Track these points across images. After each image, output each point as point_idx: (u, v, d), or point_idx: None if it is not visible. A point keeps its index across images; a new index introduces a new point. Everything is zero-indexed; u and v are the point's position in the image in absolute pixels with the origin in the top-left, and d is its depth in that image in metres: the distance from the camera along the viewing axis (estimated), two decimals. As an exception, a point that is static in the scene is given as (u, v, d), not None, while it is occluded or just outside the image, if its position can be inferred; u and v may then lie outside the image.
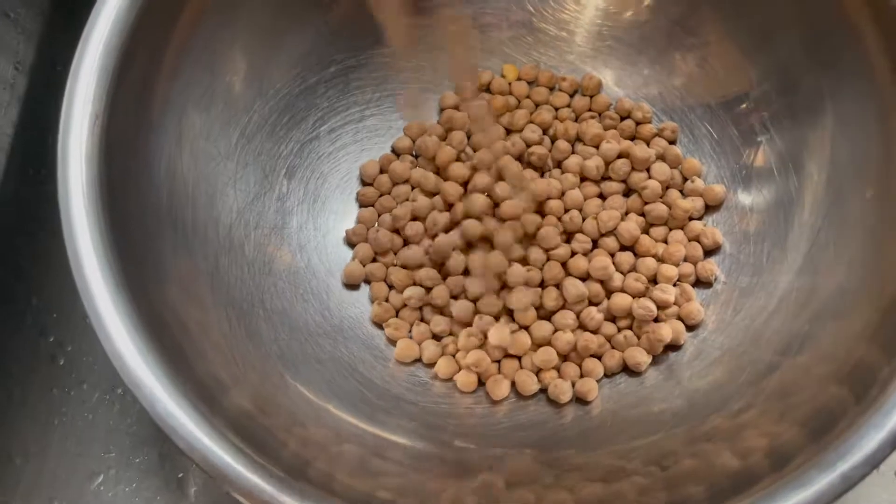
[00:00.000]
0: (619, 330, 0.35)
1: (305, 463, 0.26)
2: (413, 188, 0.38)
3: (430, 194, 0.38)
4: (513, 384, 0.34)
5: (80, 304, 0.25)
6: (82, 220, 0.26)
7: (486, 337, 0.34)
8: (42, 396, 0.35)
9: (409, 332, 0.35)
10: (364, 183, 0.39)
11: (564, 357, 0.35)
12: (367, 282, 0.37)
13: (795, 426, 0.27)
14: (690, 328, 0.35)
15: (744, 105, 0.36)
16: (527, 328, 0.35)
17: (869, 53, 0.31)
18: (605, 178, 0.38)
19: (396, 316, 0.36)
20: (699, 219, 0.37)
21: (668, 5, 0.38)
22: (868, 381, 0.26)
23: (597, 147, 0.38)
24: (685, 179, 0.38)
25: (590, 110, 0.39)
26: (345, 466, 0.28)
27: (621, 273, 0.35)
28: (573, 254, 0.36)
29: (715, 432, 0.29)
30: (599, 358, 0.34)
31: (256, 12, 0.35)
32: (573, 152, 0.38)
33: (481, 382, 0.34)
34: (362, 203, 0.38)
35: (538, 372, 0.34)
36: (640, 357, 0.34)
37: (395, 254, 0.37)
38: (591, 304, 0.35)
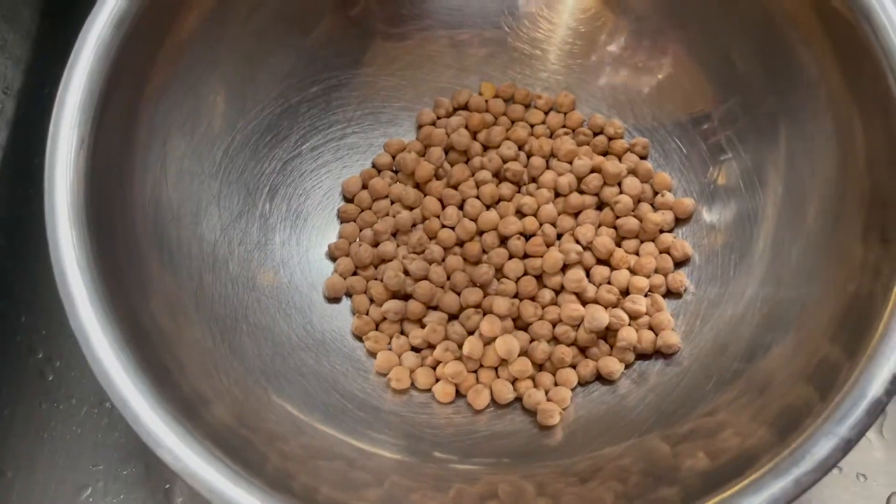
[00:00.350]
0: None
1: (288, 476, 0.27)
2: (393, 203, 0.39)
3: (410, 209, 0.39)
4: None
5: (69, 321, 0.26)
6: (68, 240, 0.27)
7: (460, 348, 0.35)
8: (31, 411, 0.36)
9: (389, 344, 0.36)
10: (346, 199, 0.40)
11: (540, 367, 0.36)
12: (349, 295, 0.38)
13: (763, 427, 0.28)
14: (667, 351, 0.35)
15: (710, 122, 0.38)
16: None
17: (822, 71, 0.32)
18: (580, 191, 0.39)
19: (377, 329, 0.37)
20: (669, 231, 0.38)
21: (636, 27, 0.39)
22: (830, 379, 0.27)
23: (570, 163, 0.39)
24: (655, 193, 0.39)
25: (564, 126, 0.40)
26: (328, 479, 0.29)
27: (594, 285, 0.37)
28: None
29: (686, 435, 0.30)
30: (574, 367, 0.36)
31: (238, 37, 0.36)
32: (548, 168, 0.39)
33: (459, 393, 0.35)
34: (344, 219, 0.39)
35: (514, 381, 0.35)
36: (613, 366, 0.35)
37: (376, 268, 0.38)
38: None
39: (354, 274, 0.38)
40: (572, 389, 0.35)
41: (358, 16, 0.39)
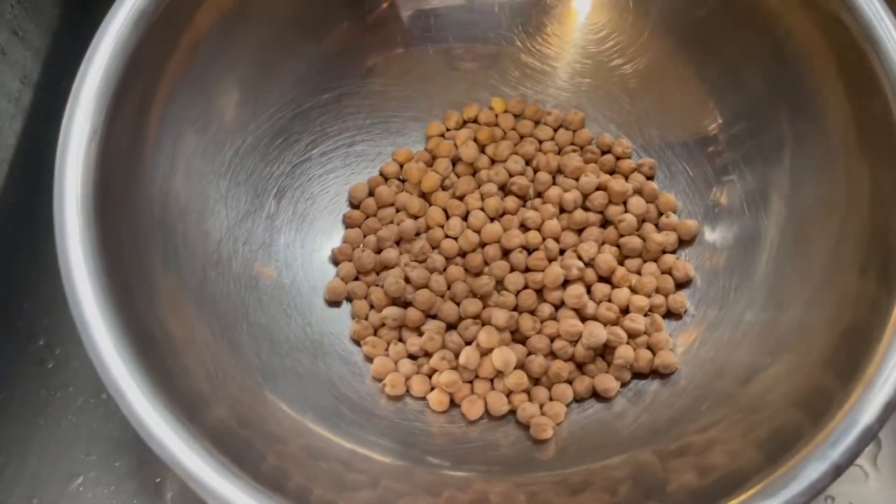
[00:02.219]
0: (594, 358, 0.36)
1: (284, 476, 0.27)
2: (398, 211, 0.40)
3: (415, 217, 0.39)
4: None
5: (71, 310, 0.26)
6: (75, 228, 0.27)
7: (457, 358, 0.35)
8: (28, 397, 0.36)
9: (386, 350, 0.37)
10: (352, 205, 0.40)
11: (536, 380, 0.36)
12: (349, 299, 0.38)
13: (753, 448, 0.28)
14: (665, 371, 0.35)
15: (717, 145, 0.38)
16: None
17: (830, 100, 0.32)
18: (585, 208, 0.39)
19: (375, 334, 0.37)
20: (672, 252, 0.38)
21: (644, 47, 0.40)
22: (823, 405, 0.27)
23: (577, 179, 0.39)
24: (660, 214, 0.39)
25: (572, 144, 0.41)
26: (322, 480, 0.29)
27: (594, 302, 0.37)
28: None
29: (678, 452, 0.31)
30: (570, 382, 0.36)
31: (254, 41, 0.36)
32: (554, 184, 0.40)
33: (453, 402, 0.35)
34: (349, 224, 0.40)
35: (509, 394, 0.35)
36: (610, 383, 0.35)
37: (377, 274, 0.38)
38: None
39: (356, 279, 0.38)
40: (567, 405, 0.35)
41: (373, 25, 0.40)
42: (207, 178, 0.36)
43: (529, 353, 0.36)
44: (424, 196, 0.40)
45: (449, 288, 0.37)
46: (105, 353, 0.26)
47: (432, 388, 0.36)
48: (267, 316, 0.36)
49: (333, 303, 0.38)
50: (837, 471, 0.25)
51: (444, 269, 0.38)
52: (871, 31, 0.30)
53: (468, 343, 0.36)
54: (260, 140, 0.38)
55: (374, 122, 0.41)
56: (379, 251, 0.39)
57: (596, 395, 0.36)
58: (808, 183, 0.34)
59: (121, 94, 0.30)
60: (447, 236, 0.38)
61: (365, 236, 0.39)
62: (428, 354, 0.36)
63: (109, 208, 0.29)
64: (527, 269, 0.37)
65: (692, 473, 0.28)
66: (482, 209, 0.38)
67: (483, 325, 0.36)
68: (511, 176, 0.39)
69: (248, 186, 0.37)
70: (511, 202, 0.39)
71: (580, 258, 0.37)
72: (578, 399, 0.36)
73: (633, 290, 0.37)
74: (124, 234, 0.30)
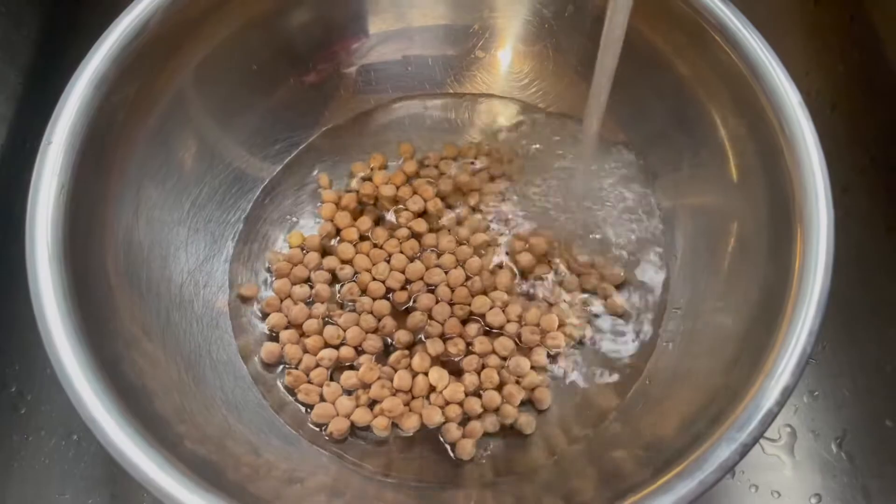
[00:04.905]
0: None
1: (256, 499, 0.29)
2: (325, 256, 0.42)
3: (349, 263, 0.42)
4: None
5: (41, 356, 0.28)
6: (47, 277, 0.29)
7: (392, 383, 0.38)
8: (2, 442, 0.37)
9: (321, 393, 0.38)
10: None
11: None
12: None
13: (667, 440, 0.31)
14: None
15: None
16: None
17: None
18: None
19: (308, 380, 0.38)
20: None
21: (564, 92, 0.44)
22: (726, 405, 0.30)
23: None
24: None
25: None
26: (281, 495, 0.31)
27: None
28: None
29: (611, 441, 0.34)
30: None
31: (207, 99, 0.39)
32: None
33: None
34: (277, 274, 0.41)
35: (444, 406, 0.38)
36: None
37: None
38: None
39: (286, 327, 0.40)
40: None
41: (316, 81, 0.43)
42: (168, 226, 0.38)
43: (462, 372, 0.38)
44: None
45: (379, 322, 0.39)
46: (81, 392, 0.28)
47: (374, 417, 0.37)
48: (228, 352, 0.38)
49: (272, 365, 0.39)
50: (744, 450, 0.28)
51: (371, 310, 0.40)
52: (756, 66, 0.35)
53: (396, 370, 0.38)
54: (217, 189, 0.41)
55: (322, 169, 0.44)
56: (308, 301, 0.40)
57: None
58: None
59: (85, 150, 0.32)
60: (374, 279, 0.41)
61: (293, 286, 0.41)
62: (366, 386, 0.38)
63: (77, 257, 0.31)
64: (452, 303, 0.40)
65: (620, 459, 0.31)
66: (401, 251, 0.41)
67: (412, 356, 0.39)
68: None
69: (206, 233, 0.40)
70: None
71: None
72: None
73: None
74: (92, 281, 0.32)
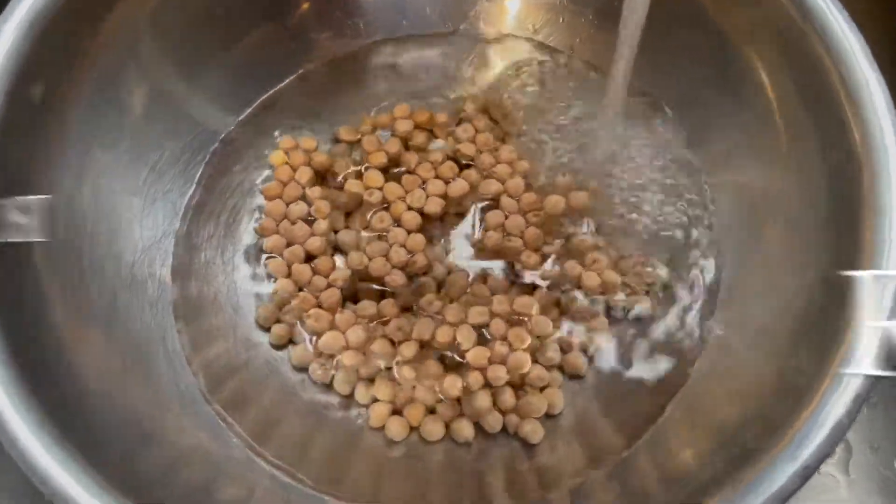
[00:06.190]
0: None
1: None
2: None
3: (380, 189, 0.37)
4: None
5: None
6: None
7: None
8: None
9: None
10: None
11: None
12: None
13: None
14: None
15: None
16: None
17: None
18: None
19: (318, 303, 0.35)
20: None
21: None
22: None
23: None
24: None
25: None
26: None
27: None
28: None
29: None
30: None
31: (167, 47, 0.35)
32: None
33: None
34: (267, 196, 0.37)
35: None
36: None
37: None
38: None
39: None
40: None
41: (296, 27, 0.39)
42: (119, 195, 0.34)
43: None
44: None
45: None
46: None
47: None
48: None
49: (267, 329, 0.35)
50: (807, 472, 0.23)
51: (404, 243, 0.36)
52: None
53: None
54: (179, 157, 0.36)
55: (298, 132, 0.39)
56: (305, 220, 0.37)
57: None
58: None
59: (12, 105, 0.28)
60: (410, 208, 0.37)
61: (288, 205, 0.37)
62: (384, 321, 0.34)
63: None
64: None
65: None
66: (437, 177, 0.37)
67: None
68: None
69: (165, 203, 0.35)
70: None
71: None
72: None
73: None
74: (10, 254, 0.27)
